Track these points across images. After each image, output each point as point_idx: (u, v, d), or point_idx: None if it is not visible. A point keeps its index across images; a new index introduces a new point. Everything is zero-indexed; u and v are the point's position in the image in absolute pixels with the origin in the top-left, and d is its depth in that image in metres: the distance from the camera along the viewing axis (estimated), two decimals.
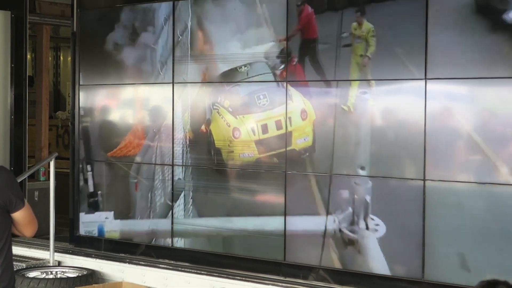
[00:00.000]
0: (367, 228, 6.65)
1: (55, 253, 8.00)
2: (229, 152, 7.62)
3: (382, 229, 6.59)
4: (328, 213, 6.89)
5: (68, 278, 7.43)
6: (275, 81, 7.29)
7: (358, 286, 6.51)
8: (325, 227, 6.91)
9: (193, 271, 7.27)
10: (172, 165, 7.85)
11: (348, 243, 6.76)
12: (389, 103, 6.66)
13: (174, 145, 7.95)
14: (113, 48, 8.25)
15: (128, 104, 8.34)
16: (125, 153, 8.35)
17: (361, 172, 6.71)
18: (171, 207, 7.93)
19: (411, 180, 6.40)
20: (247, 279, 6.92)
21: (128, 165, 8.29)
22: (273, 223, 7.24)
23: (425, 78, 6.20)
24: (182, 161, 7.94)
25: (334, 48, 6.91)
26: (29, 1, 9.57)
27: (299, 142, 7.17)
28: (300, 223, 7.14)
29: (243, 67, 7.63)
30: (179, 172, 7.96)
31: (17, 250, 7.89)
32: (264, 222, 7.34)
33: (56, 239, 8.07)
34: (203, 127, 7.81)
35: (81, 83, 8.50)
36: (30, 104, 9.64)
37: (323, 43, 7.00)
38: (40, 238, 8.22)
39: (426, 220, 6.18)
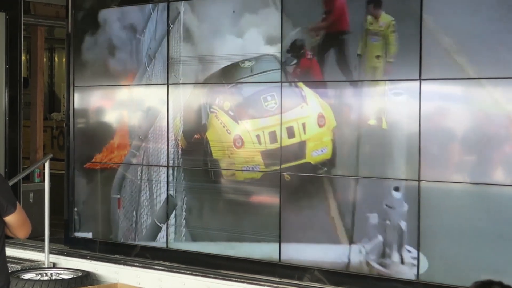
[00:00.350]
0: (402, 262, 5.99)
1: (50, 255, 7.99)
2: (229, 165, 6.84)
3: (423, 264, 5.93)
4: (351, 241, 6.17)
5: (63, 279, 7.43)
6: (287, 81, 6.35)
7: (353, 286, 6.50)
8: (349, 258, 6.28)
9: (188, 272, 7.26)
10: (167, 172, 7.81)
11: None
12: (434, 108, 5.94)
13: (162, 155, 7.23)
14: (108, 49, 8.22)
15: (115, 107, 8.20)
16: (106, 163, 7.92)
17: (396, 194, 5.85)
18: (164, 227, 7.31)
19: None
20: (242, 280, 6.91)
21: (109, 178, 7.88)
22: (283, 251, 6.50)
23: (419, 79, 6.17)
24: (173, 175, 7.25)
25: (359, 43, 6.08)
26: (24, 2, 9.56)
27: (315, 154, 6.18)
28: (315, 253, 6.44)
29: (246, 62, 6.61)
30: (168, 188, 7.37)
31: (12, 251, 7.88)
32: (270, 250, 6.68)
33: (51, 240, 8.06)
34: (197, 134, 7.07)
35: (75, 84, 8.48)
36: (25, 106, 9.63)
37: (349, 36, 6.12)
38: (35, 239, 8.21)
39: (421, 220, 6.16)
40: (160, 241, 7.57)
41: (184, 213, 7.25)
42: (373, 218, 5.96)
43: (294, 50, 6.35)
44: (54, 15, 10.62)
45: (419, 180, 6.15)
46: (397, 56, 6.14)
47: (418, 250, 6.14)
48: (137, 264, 7.63)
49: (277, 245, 6.66)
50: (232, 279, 6.96)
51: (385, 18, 5.97)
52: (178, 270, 7.34)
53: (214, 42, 6.97)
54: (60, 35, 11.17)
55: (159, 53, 7.54)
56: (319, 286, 6.65)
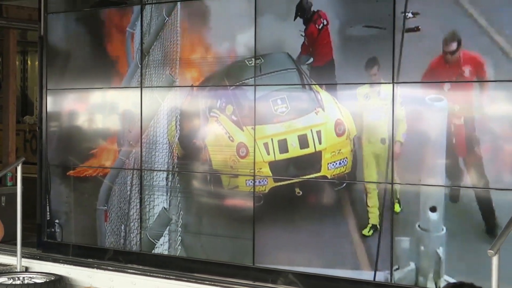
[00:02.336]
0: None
1: (23, 259, 7.93)
2: (232, 178, 6.27)
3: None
4: (376, 268, 5.72)
5: (35, 283, 7.38)
6: (301, 84, 5.67)
7: None
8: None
9: (161, 275, 7.23)
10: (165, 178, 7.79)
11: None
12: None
13: (156, 163, 6.77)
14: (81, 52, 8.17)
15: (97, 110, 8.15)
16: (91, 172, 7.74)
17: (432, 216, 5.37)
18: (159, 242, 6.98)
19: None
20: (215, 283, 6.88)
21: (95, 188, 7.67)
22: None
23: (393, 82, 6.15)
24: (167, 186, 6.81)
25: (389, 35, 5.52)
26: None
27: (333, 167, 5.60)
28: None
29: (253, 59, 5.99)
30: (162, 200, 6.93)
31: None
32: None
33: (24, 244, 7.99)
34: (196, 141, 6.58)
35: (48, 87, 8.43)
36: None
37: (373, 26, 5.54)
38: (7, 243, 8.13)
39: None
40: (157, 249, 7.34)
41: (179, 229, 6.87)
42: (404, 243, 5.47)
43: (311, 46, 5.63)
44: (26, 18, 10.56)
45: (392, 183, 6.16)
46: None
47: (392, 252, 6.13)
48: (110, 268, 7.59)
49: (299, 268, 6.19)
50: (205, 282, 6.93)
51: None
52: (151, 274, 7.31)
53: (216, 37, 6.42)
54: (33, 38, 11.10)
55: (152, 51, 7.17)
56: None
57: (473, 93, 5.86)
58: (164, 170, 7.17)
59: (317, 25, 5.79)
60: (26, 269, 7.96)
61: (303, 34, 5.87)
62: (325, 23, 5.74)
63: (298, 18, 5.96)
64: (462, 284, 3.01)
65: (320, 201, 5.84)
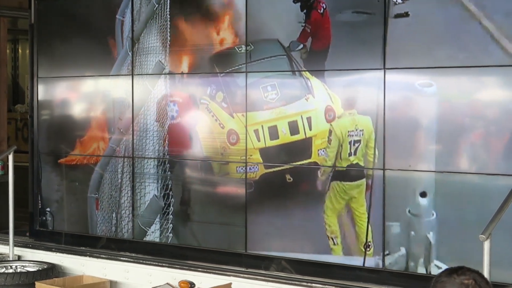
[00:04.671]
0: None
1: (15, 247, 7.93)
2: (223, 165, 6.29)
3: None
4: (366, 253, 5.75)
5: (28, 272, 7.37)
6: (291, 70, 5.66)
7: (318, 276, 6.49)
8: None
9: (154, 263, 7.23)
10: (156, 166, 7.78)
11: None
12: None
13: (147, 150, 6.80)
14: (71, 40, 8.15)
15: (87, 98, 8.17)
16: (82, 159, 7.75)
17: (422, 201, 5.36)
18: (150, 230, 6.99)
19: None
20: (208, 270, 6.89)
21: (86, 176, 7.69)
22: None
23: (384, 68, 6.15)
24: (158, 173, 6.83)
25: (380, 20, 5.47)
26: None
27: (323, 153, 5.59)
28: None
29: (243, 46, 5.94)
30: (153, 188, 6.98)
31: None
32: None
33: (16, 233, 7.99)
34: (186, 129, 6.58)
35: (39, 75, 8.41)
36: None
37: (363, 12, 5.49)
38: None
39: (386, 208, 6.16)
40: (148, 237, 7.38)
41: (170, 216, 6.90)
42: (395, 228, 5.43)
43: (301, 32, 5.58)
44: (17, 6, 10.51)
45: (383, 169, 6.17)
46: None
47: (384, 238, 6.15)
48: (103, 256, 7.59)
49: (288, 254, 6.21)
50: (198, 269, 6.94)
51: None
52: (144, 262, 7.31)
53: (205, 24, 6.38)
54: (24, 26, 11.06)
55: (142, 38, 7.16)
56: (286, 276, 6.65)
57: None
58: (155, 158, 7.18)
59: (318, 10, 5.78)
60: (19, 258, 7.96)
61: (305, 24, 5.83)
62: (324, 6, 5.72)
63: (298, 2, 5.96)
64: (460, 268, 3.03)
65: (311, 187, 5.81)
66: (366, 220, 6.00)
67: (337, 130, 5.73)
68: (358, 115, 5.71)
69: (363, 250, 5.94)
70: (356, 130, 5.55)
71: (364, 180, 5.69)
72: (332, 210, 5.84)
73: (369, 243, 5.93)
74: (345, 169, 6.08)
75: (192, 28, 6.69)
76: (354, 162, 5.74)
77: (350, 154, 5.70)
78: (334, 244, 5.86)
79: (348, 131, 5.61)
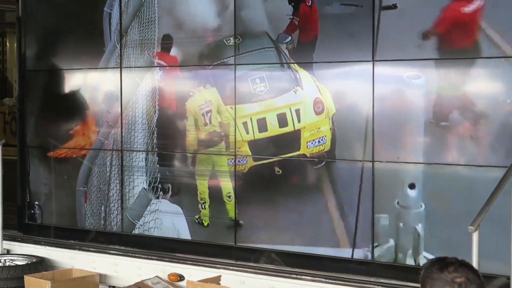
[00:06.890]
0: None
1: (4, 241, 7.91)
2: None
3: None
4: (354, 245, 5.73)
5: (17, 265, 7.36)
6: (280, 63, 5.64)
7: (309, 268, 6.50)
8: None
9: (143, 256, 7.22)
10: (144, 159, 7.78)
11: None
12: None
13: (136, 143, 6.81)
14: (59, 33, 8.11)
15: (76, 91, 8.13)
16: (70, 152, 7.74)
17: (411, 192, 5.36)
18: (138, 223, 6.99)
19: None
20: (198, 263, 6.89)
21: (74, 169, 7.68)
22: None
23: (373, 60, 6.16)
24: (146, 166, 6.83)
25: (368, 13, 5.47)
26: None
27: (312, 145, 5.57)
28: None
29: (231, 38, 5.92)
30: (142, 181, 6.98)
31: None
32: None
33: (5, 227, 7.98)
34: (175, 121, 6.59)
35: (27, 69, 8.38)
36: None
37: (351, 4, 5.47)
38: None
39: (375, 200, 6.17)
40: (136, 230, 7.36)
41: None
42: (383, 220, 5.43)
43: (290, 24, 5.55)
44: None
45: (373, 161, 6.17)
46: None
47: (373, 230, 6.16)
48: (92, 249, 7.58)
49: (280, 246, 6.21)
50: (187, 262, 6.94)
51: None
52: (133, 255, 7.30)
53: (194, 16, 6.38)
54: (11, 19, 11.01)
55: (130, 31, 7.13)
56: (276, 268, 6.65)
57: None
58: (143, 151, 7.18)
59: (307, 3, 5.77)
60: (8, 252, 7.94)
61: (292, 17, 5.82)
62: None
63: None
64: (445, 258, 3.00)
65: (300, 179, 5.82)
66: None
67: None
68: None
69: None
70: None
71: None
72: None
73: None
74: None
75: (180, 21, 6.70)
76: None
77: None
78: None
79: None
